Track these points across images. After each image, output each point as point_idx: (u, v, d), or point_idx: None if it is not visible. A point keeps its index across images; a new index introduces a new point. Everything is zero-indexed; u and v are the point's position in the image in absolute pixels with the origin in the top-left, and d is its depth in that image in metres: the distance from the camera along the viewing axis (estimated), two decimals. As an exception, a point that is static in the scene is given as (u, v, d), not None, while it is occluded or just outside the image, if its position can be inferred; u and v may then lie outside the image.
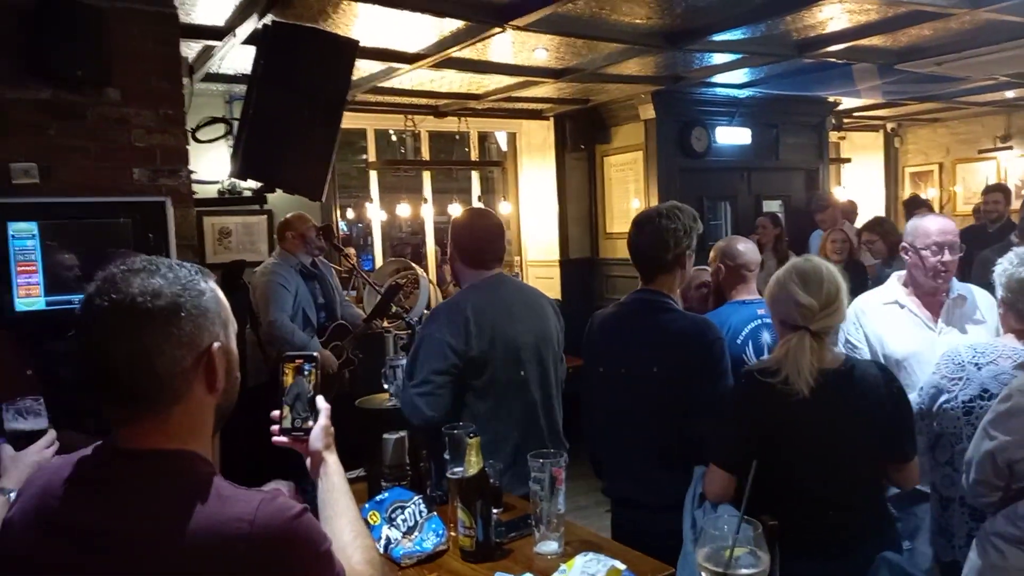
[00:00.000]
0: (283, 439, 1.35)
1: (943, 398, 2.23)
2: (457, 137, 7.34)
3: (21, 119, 3.21)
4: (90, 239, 3.26)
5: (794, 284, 1.94)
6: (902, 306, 2.60)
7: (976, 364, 2.18)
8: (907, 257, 2.61)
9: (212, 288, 1.10)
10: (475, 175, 7.54)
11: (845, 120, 8.46)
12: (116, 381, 1.02)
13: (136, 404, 1.04)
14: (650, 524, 2.10)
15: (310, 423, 1.35)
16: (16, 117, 3.20)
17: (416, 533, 1.87)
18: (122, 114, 3.41)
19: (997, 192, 5.96)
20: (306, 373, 1.37)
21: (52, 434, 1.69)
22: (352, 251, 6.51)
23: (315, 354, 1.40)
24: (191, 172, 3.63)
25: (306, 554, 1.03)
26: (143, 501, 1.00)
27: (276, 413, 1.36)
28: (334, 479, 1.31)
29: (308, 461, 1.35)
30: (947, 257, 2.52)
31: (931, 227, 2.56)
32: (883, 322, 2.60)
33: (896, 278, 2.72)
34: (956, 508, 2.24)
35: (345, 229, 8.07)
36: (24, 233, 3.12)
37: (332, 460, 1.33)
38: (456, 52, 4.49)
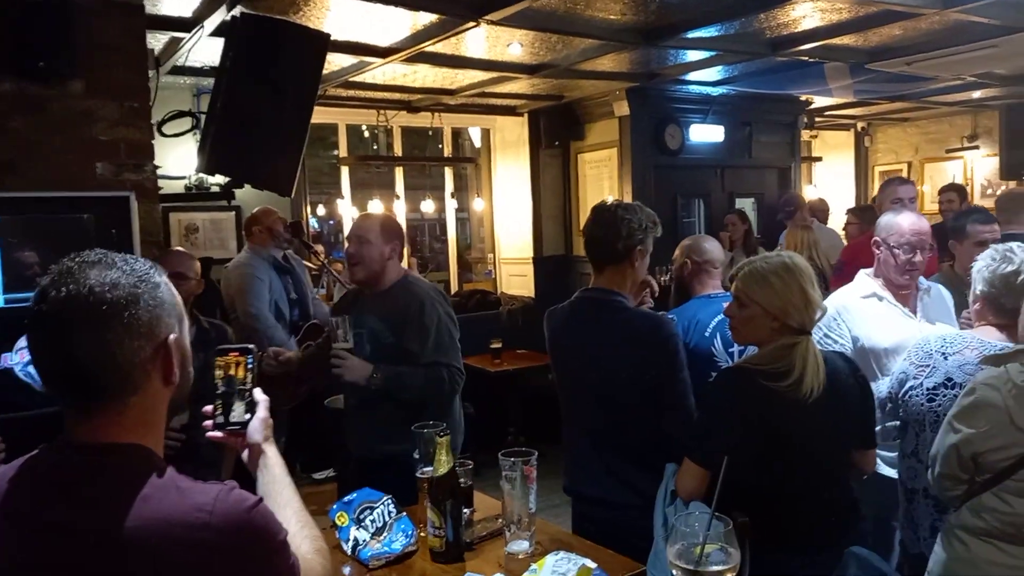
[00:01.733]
0: (218, 434, 1.33)
1: (908, 384, 2.28)
2: (430, 133, 7.29)
3: (-19, 112, 3.12)
4: (52, 235, 3.18)
5: (808, 285, 1.94)
6: (880, 298, 2.63)
7: (943, 353, 2.22)
8: (878, 252, 2.63)
9: (166, 282, 1.12)
10: (448, 172, 7.50)
11: (817, 119, 8.55)
12: (78, 373, 1.02)
13: (96, 396, 1.05)
14: (611, 522, 2.10)
15: (247, 416, 1.32)
16: (-24, 109, 3.11)
17: (385, 534, 1.85)
18: (86, 107, 3.32)
19: (951, 191, 6.16)
20: (242, 366, 1.34)
21: None
22: (322, 248, 6.44)
23: (251, 346, 1.38)
24: (156, 167, 3.56)
25: (264, 544, 1.05)
26: (104, 495, 1.00)
27: (208, 409, 1.33)
28: (275, 471, 1.30)
29: (246, 454, 1.33)
30: (918, 257, 2.56)
31: (904, 225, 2.58)
32: (865, 316, 2.61)
33: (864, 273, 2.74)
34: (920, 500, 2.27)
35: (316, 226, 7.98)
36: (-17, 228, 3.03)
37: (272, 452, 1.32)
38: (430, 46, 4.45)
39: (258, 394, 1.34)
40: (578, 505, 2.35)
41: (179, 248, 2.91)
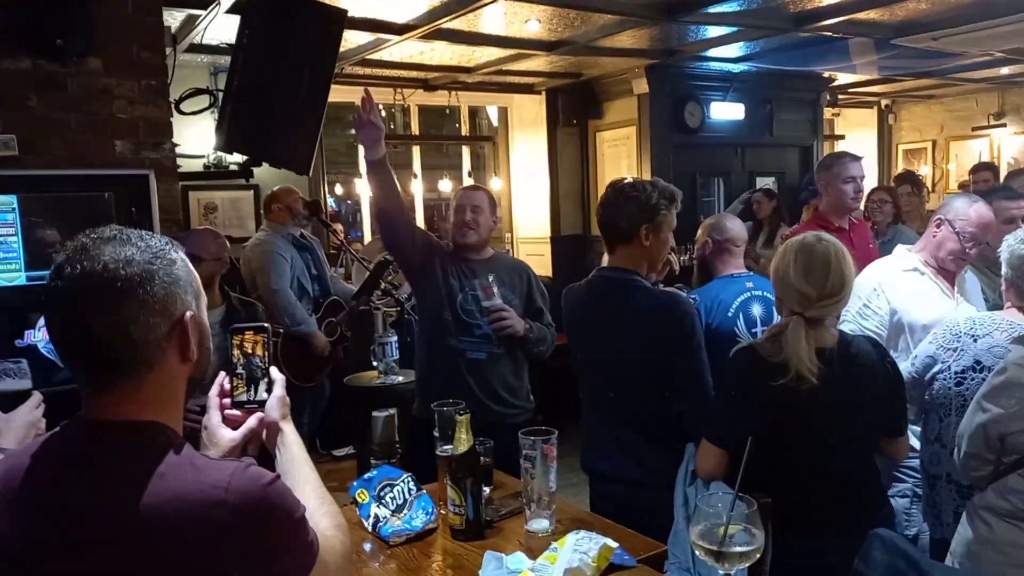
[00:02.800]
0: (236, 412, 1.32)
1: (936, 368, 2.23)
2: (447, 112, 7.25)
3: (1, 90, 3.13)
4: (72, 214, 3.19)
5: (797, 267, 1.88)
6: (922, 272, 2.60)
7: (972, 336, 2.17)
8: (938, 230, 2.59)
9: (183, 258, 1.11)
10: (466, 150, 7.46)
11: (840, 96, 8.41)
12: (94, 350, 1.02)
13: (112, 372, 1.04)
14: (627, 500, 2.09)
15: (264, 395, 1.32)
16: (-5, 87, 3.12)
17: (405, 511, 1.85)
18: (104, 85, 3.32)
19: (986, 171, 5.96)
20: (258, 343, 1.34)
21: (38, 395, 1.68)
22: (340, 227, 6.44)
23: (266, 324, 1.37)
24: (175, 145, 3.56)
25: (281, 521, 1.04)
26: (121, 474, 1.00)
27: (226, 386, 1.32)
28: (293, 449, 1.30)
29: (264, 433, 1.32)
30: (974, 250, 2.55)
31: (974, 215, 2.53)
32: (906, 289, 2.58)
33: (904, 247, 2.72)
34: (943, 485, 2.24)
35: (334, 205, 7.98)
36: (4, 207, 3.05)
37: (289, 430, 1.32)
38: (447, 23, 4.40)
39: (275, 372, 1.34)
40: (594, 483, 2.35)
41: (203, 227, 2.88)
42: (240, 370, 1.33)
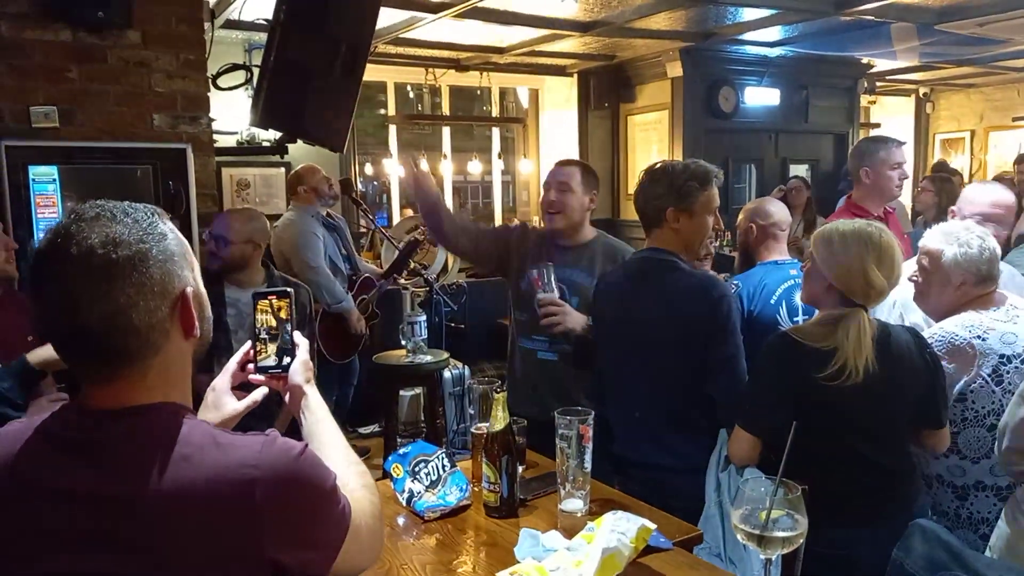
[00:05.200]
0: (259, 377, 1.32)
1: (963, 382, 2.12)
2: (478, 92, 7.21)
3: (42, 61, 3.17)
4: (111, 185, 3.23)
5: (868, 258, 1.85)
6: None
7: (979, 337, 2.10)
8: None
9: (172, 229, 1.05)
10: (495, 132, 7.43)
11: (877, 84, 8.25)
12: (92, 341, 0.97)
13: (115, 362, 0.98)
14: (653, 484, 2.07)
15: (287, 360, 1.31)
16: (37, 59, 3.16)
17: (439, 487, 1.85)
18: (143, 58, 3.35)
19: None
20: (281, 308, 1.33)
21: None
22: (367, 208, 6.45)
23: (289, 289, 1.36)
24: (212, 120, 3.58)
25: (314, 493, 1.02)
26: (140, 461, 0.95)
27: (248, 352, 1.32)
28: (318, 412, 1.29)
29: (288, 397, 1.32)
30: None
31: (985, 199, 2.45)
32: (907, 293, 2.44)
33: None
34: (976, 495, 2.14)
35: (361, 187, 8.00)
36: (44, 177, 3.10)
37: (313, 393, 1.31)
38: (481, 2, 4.37)
39: (298, 337, 1.33)
40: (621, 467, 2.33)
41: (236, 207, 2.83)
42: (263, 335, 1.32)
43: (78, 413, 1.00)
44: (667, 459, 2.14)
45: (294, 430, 1.28)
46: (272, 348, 1.32)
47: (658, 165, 2.26)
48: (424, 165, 2.57)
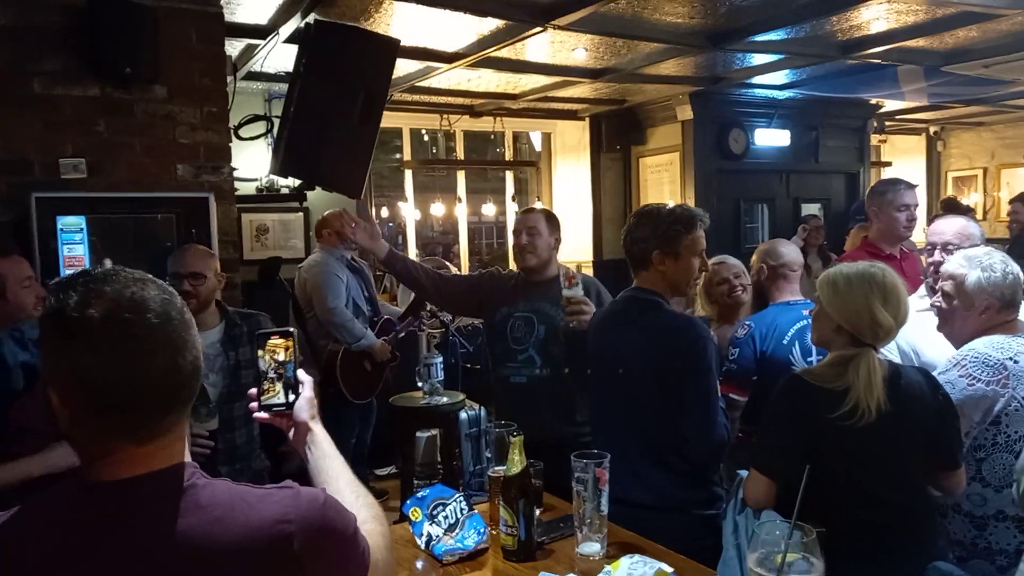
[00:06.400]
0: (263, 415, 1.35)
1: (1001, 403, 2.09)
2: (492, 137, 7.34)
3: (72, 115, 3.28)
4: (136, 233, 3.32)
5: (874, 297, 1.87)
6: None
7: (1011, 359, 2.08)
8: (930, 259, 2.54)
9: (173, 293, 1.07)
10: (509, 175, 7.54)
11: (887, 123, 8.32)
12: (182, 386, 0.99)
13: (171, 412, 0.99)
14: (639, 523, 2.05)
15: (291, 397, 1.35)
16: (67, 113, 3.27)
17: (457, 530, 1.87)
18: (168, 111, 3.47)
19: (1019, 202, 5.99)
20: (285, 348, 1.36)
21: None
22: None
23: (292, 329, 1.40)
24: (234, 169, 3.68)
25: (340, 538, 1.05)
26: (168, 528, 0.94)
27: (253, 391, 1.36)
28: (324, 446, 1.32)
29: (292, 434, 1.35)
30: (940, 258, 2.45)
31: (940, 226, 2.48)
32: (917, 331, 2.47)
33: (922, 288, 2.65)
34: (995, 525, 2.11)
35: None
36: (72, 227, 3.18)
37: (318, 429, 1.34)
38: (495, 52, 4.49)
39: (302, 374, 1.37)
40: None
41: (196, 245, 2.74)
42: (271, 374, 1.36)
43: (89, 491, 0.96)
44: (647, 497, 2.13)
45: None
46: (277, 386, 1.35)
47: (645, 209, 2.33)
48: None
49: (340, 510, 1.07)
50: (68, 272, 3.12)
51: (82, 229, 3.19)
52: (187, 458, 1.04)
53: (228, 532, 0.95)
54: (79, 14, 3.19)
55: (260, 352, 1.36)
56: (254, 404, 1.35)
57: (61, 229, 3.16)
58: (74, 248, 3.19)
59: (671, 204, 2.33)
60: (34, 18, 3.20)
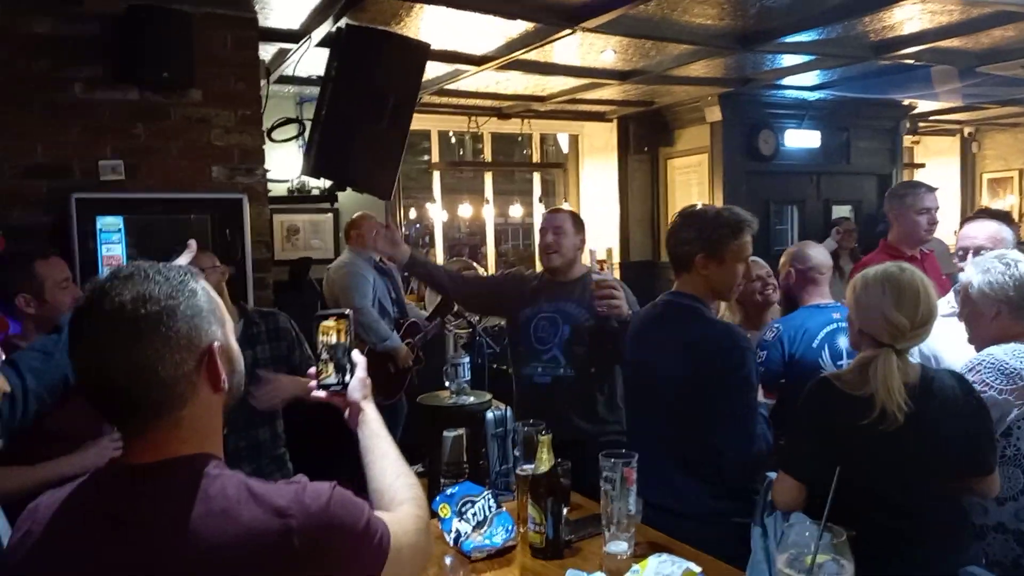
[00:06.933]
0: (321, 394, 1.40)
1: (1014, 414, 2.05)
2: (519, 139, 7.36)
3: (110, 119, 3.37)
4: (171, 233, 3.39)
5: (887, 298, 1.84)
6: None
7: None
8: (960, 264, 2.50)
9: (204, 287, 1.09)
10: (536, 177, 7.56)
11: (920, 124, 8.20)
12: (120, 394, 1.00)
13: (143, 414, 1.02)
14: (666, 528, 2.03)
15: (347, 377, 1.40)
16: (106, 117, 3.36)
17: (486, 527, 1.89)
18: (203, 114, 3.54)
19: None
20: (340, 330, 1.41)
21: None
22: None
23: (347, 311, 1.44)
24: (267, 171, 3.75)
25: (347, 534, 1.04)
26: (178, 520, 0.97)
27: (312, 370, 1.42)
28: (373, 426, 1.36)
29: (347, 413, 1.40)
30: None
31: (972, 230, 2.45)
32: (939, 336, 2.33)
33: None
34: (995, 536, 2.08)
35: (405, 229, 8.18)
36: (111, 227, 3.27)
37: (370, 409, 1.39)
38: (523, 54, 4.51)
39: (356, 356, 1.41)
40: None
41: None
42: (324, 355, 1.41)
43: (115, 472, 1.04)
44: (674, 503, 2.09)
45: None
46: (332, 367, 1.41)
47: (691, 209, 2.27)
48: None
49: (347, 504, 1.06)
50: (106, 271, 3.19)
51: (120, 229, 3.27)
52: (216, 452, 1.07)
53: (232, 524, 0.97)
54: (118, 21, 3.27)
55: (319, 334, 1.42)
56: (312, 383, 1.41)
57: (100, 229, 3.24)
58: (112, 248, 3.27)
59: (718, 205, 2.28)
60: (73, 26, 3.29)
